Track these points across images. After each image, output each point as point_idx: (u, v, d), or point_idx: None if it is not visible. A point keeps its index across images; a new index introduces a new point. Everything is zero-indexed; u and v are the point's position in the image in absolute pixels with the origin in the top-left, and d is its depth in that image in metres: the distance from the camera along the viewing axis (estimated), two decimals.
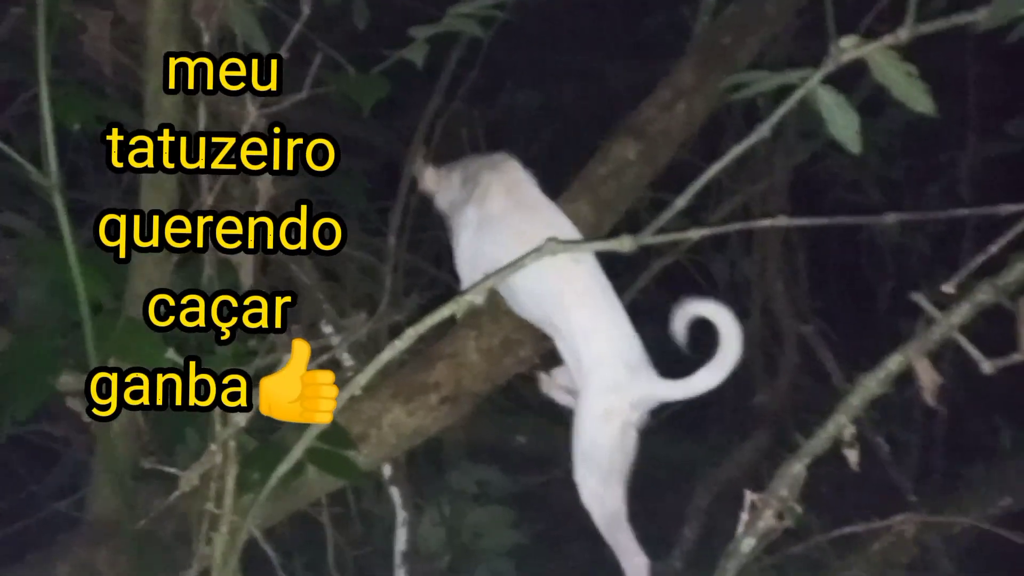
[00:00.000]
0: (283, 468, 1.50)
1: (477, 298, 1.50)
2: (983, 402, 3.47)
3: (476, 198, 1.87)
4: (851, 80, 1.28)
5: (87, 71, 2.17)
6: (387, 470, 2.32)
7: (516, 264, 1.46)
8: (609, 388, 1.67)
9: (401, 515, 2.35)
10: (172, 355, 1.62)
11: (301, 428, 1.49)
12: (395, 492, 2.34)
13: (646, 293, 2.94)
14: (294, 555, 2.57)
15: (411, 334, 1.44)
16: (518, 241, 1.67)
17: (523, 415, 3.39)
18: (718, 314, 1.64)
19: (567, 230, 1.85)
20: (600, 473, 1.66)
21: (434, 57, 2.30)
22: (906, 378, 1.43)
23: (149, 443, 1.84)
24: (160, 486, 1.78)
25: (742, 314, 3.35)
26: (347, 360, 2.20)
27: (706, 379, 1.64)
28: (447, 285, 3.12)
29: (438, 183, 2.04)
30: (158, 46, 1.77)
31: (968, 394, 3.50)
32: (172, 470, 1.70)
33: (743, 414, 3.18)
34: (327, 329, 2.28)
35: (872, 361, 1.45)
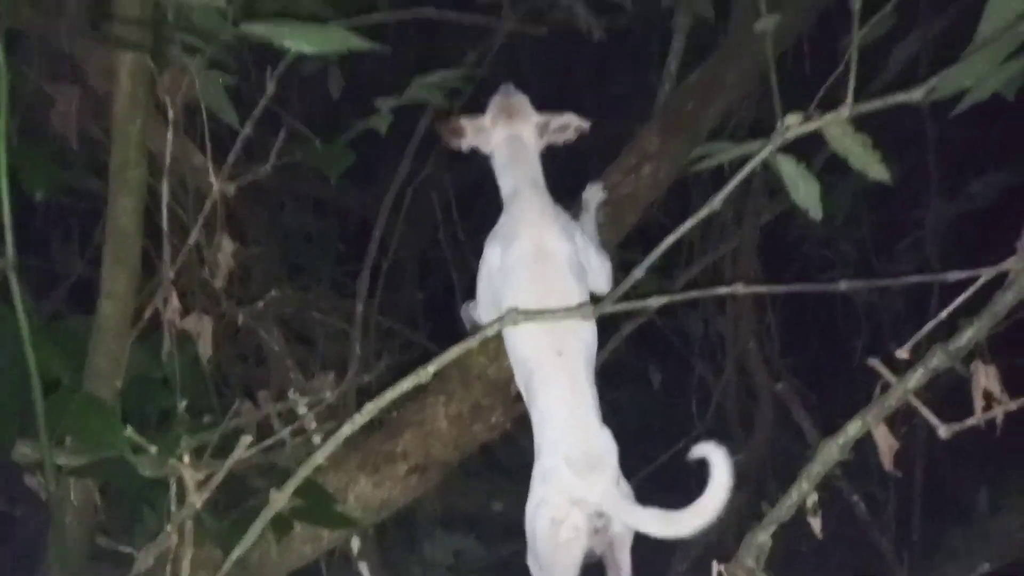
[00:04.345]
0: (247, 542, 1.46)
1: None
2: (960, 459, 3.47)
3: (505, 240, 1.78)
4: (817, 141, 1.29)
5: (55, 143, 2.19)
6: (355, 544, 2.25)
7: (491, 327, 1.48)
8: (545, 480, 1.53)
9: None
10: (131, 433, 1.58)
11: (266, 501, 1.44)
12: (364, 568, 2.26)
13: (618, 353, 2.94)
14: None
15: (371, 408, 1.41)
16: (532, 296, 1.64)
17: (499, 481, 3.33)
18: (714, 459, 1.41)
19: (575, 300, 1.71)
20: (537, 563, 1.56)
21: (408, 120, 2.29)
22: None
23: (106, 521, 1.78)
24: (118, 567, 1.72)
25: (716, 371, 3.38)
26: (312, 425, 2.15)
27: (669, 527, 1.42)
28: (423, 347, 3.11)
29: (475, 131, 1.90)
30: (125, 119, 1.78)
31: (944, 452, 3.50)
32: (128, 549, 1.66)
33: None
34: (295, 396, 2.24)
35: (848, 417, 1.42)
